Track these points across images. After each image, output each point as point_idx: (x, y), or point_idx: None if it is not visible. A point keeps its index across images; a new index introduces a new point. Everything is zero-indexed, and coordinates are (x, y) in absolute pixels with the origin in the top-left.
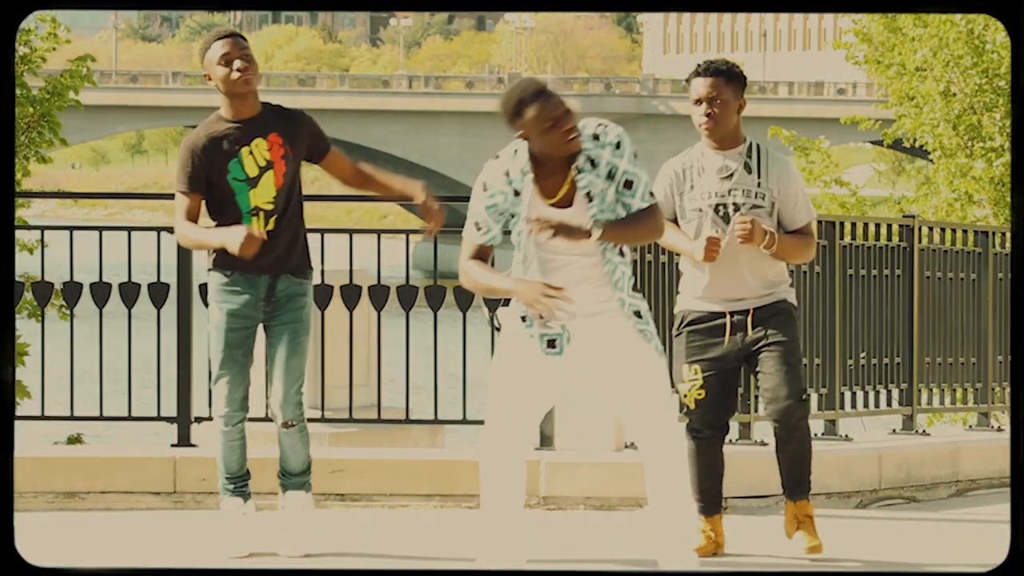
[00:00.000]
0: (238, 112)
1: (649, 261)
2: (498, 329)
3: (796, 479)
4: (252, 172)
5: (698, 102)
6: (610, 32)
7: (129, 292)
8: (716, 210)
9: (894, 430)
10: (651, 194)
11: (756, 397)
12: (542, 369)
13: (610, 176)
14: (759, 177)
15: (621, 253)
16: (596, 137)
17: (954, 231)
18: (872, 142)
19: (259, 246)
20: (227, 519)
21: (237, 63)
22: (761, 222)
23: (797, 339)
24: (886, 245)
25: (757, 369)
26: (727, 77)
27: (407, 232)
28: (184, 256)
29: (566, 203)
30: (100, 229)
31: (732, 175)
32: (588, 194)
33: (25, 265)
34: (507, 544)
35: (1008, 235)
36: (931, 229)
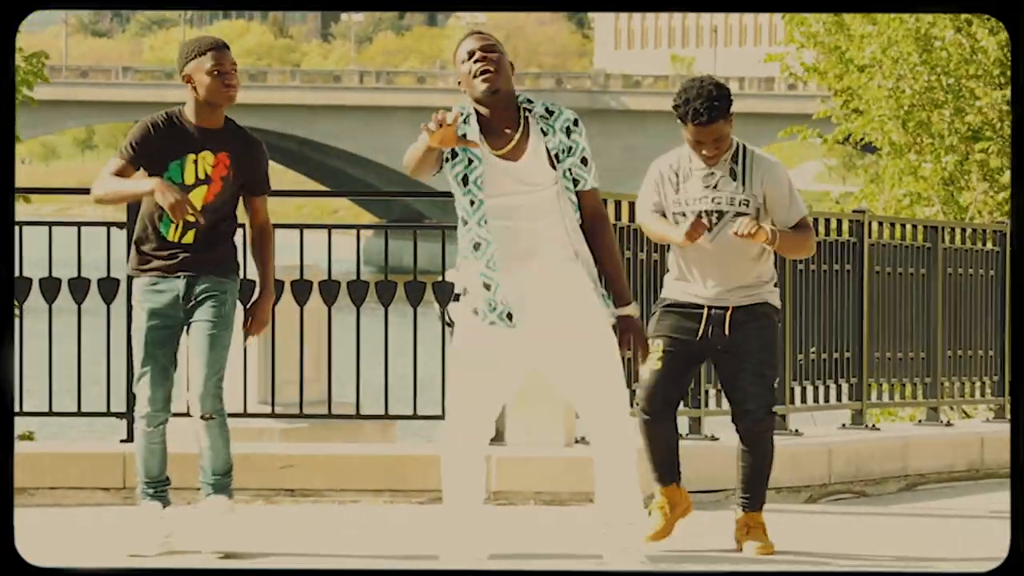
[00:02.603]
0: (201, 120)
1: (628, 258)
2: (449, 324)
3: (754, 491)
4: (189, 180)
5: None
6: (561, 27)
7: (79, 287)
8: (699, 217)
9: (844, 425)
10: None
11: (706, 392)
12: (498, 357)
13: (567, 151)
14: (744, 183)
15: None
16: (550, 113)
17: (903, 226)
18: (820, 136)
19: (185, 215)
20: (145, 520)
21: (228, 78)
22: (761, 222)
23: (773, 348)
24: (836, 240)
25: (725, 375)
26: (705, 122)
27: (358, 227)
28: None
29: (514, 157)
30: (49, 224)
31: (717, 184)
32: (557, 155)
33: None
34: (469, 539)
35: (957, 231)
36: (881, 224)
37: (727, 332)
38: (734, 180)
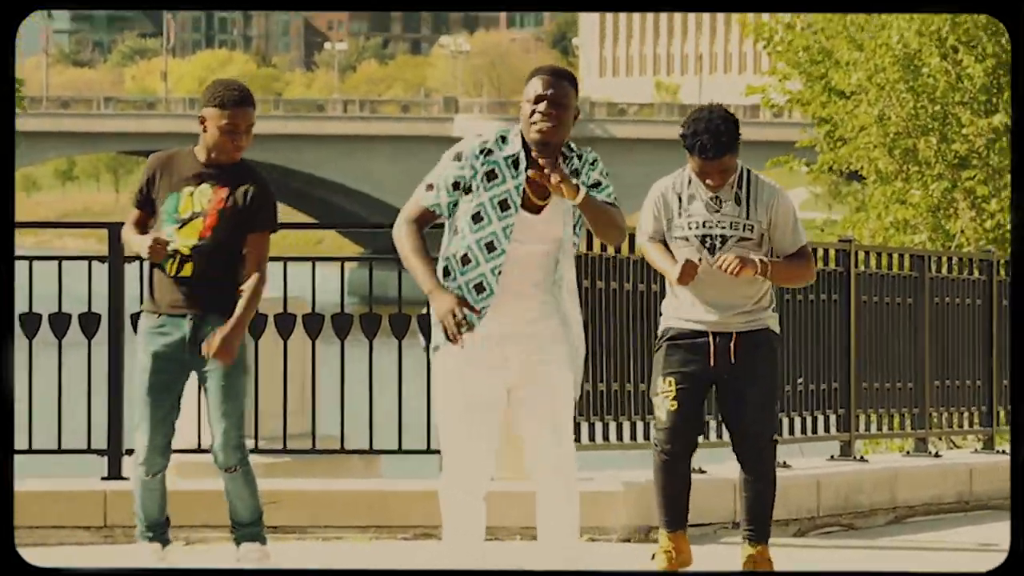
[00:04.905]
0: (209, 159)
1: (614, 289)
2: (435, 349)
3: (760, 521)
4: (184, 212)
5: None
6: (546, 55)
7: (59, 322)
8: (703, 241)
9: (832, 456)
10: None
11: (705, 423)
12: (482, 395)
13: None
14: (748, 208)
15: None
16: (579, 156)
17: (890, 256)
18: (808, 164)
19: (163, 254)
20: (145, 561)
21: (238, 139)
22: (748, 253)
23: (776, 376)
24: (823, 270)
25: (729, 401)
26: (711, 157)
27: (342, 259)
28: (116, 285)
29: (538, 209)
30: (30, 259)
31: (721, 207)
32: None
33: None
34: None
35: (944, 260)
36: (867, 254)
37: (733, 359)
38: (738, 205)
